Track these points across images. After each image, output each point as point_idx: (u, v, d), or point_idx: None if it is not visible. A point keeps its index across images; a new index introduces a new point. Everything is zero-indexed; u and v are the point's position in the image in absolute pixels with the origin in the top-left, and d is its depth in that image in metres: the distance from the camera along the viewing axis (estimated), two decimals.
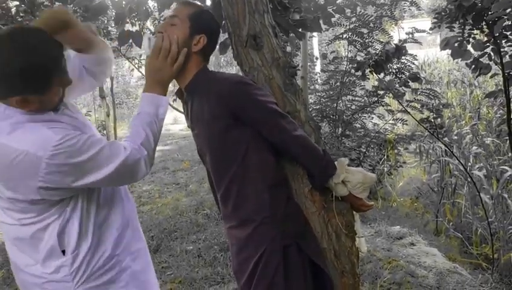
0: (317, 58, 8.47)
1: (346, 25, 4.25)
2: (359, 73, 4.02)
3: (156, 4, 3.25)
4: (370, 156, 5.25)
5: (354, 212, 1.65)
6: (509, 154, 4.73)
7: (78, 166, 1.29)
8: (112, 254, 1.46)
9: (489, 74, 3.17)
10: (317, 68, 8.12)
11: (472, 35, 2.94)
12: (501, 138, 5.51)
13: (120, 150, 1.35)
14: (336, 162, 1.54)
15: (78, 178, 1.31)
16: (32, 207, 1.34)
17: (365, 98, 4.88)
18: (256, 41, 1.60)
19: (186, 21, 1.50)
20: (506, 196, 3.94)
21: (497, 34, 2.78)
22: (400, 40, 3.89)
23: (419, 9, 5.27)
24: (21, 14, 4.51)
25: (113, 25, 5.61)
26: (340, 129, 4.92)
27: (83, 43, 1.53)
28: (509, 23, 2.73)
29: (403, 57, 3.90)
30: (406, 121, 4.96)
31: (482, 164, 4.57)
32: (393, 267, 3.17)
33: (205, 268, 3.39)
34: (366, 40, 4.26)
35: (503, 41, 2.95)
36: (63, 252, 1.39)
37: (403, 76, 3.98)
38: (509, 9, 2.46)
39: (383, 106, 4.88)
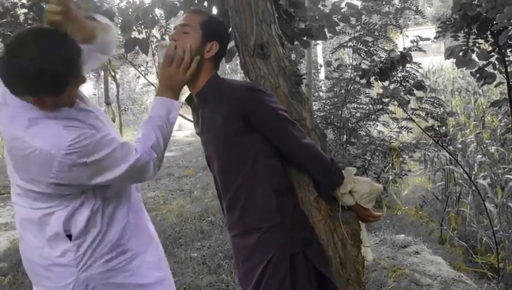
0: (321, 66, 8.49)
1: (351, 33, 4.27)
2: (364, 81, 4.03)
3: (162, 12, 3.28)
4: (375, 164, 5.24)
5: (360, 221, 1.65)
6: None
7: (90, 166, 1.32)
8: (118, 243, 1.50)
9: (494, 83, 3.17)
10: (322, 75, 8.13)
11: (477, 45, 2.95)
12: (506, 147, 5.51)
13: (131, 152, 1.39)
14: (343, 171, 1.55)
15: (89, 177, 1.35)
16: (43, 197, 1.38)
17: (370, 105, 4.88)
18: (264, 50, 1.63)
19: (198, 29, 1.52)
20: (511, 205, 3.92)
21: (502, 44, 2.79)
22: (404, 48, 3.90)
23: (424, 18, 5.28)
24: (29, 22, 4.56)
25: (119, 32, 5.65)
26: (345, 136, 4.92)
27: (87, 34, 1.50)
28: None
29: (407, 65, 3.91)
30: (411, 129, 4.95)
31: (486, 173, 4.55)
32: (398, 276, 3.16)
33: (210, 275, 3.39)
34: (371, 48, 4.27)
35: (508, 50, 2.95)
36: (70, 237, 1.42)
37: (408, 84, 3.99)
38: None
39: (387, 113, 4.88)
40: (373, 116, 4.91)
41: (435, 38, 3.39)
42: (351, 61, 4.78)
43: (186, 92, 1.68)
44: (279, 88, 1.64)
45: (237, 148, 1.50)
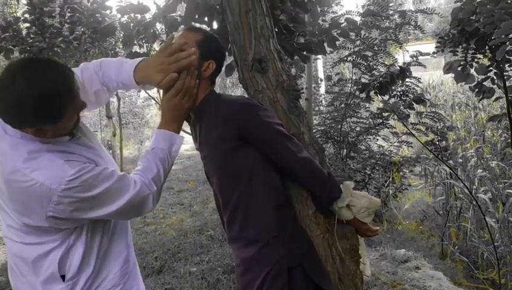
0: (321, 80, 8.52)
1: (350, 48, 4.30)
2: (364, 95, 4.04)
3: (163, 27, 3.31)
4: (375, 178, 5.23)
5: (359, 236, 1.65)
6: None
7: (89, 200, 1.31)
8: (118, 282, 1.48)
9: (493, 98, 3.18)
10: (322, 90, 8.16)
11: (475, 60, 2.96)
12: (506, 161, 5.50)
13: (130, 186, 1.37)
14: (341, 185, 1.55)
15: (87, 211, 1.33)
16: (37, 231, 1.35)
17: (370, 119, 4.90)
18: (262, 65, 1.64)
19: (195, 48, 1.51)
20: None
21: (500, 59, 2.80)
22: (404, 63, 3.92)
23: (424, 33, 5.31)
24: (31, 36, 4.60)
25: (121, 46, 5.69)
26: (344, 151, 4.92)
27: None
28: None
29: (407, 80, 3.93)
30: (411, 143, 4.96)
31: (487, 187, 4.54)
32: None
33: None
34: (371, 63, 4.30)
35: (506, 65, 2.96)
36: (63, 277, 1.38)
37: (408, 98, 4.00)
38: (511, 35, 2.48)
39: (387, 128, 4.89)
40: (373, 131, 4.92)
41: (434, 53, 3.40)
42: (351, 75, 4.81)
43: None
44: (277, 102, 1.65)
45: (235, 163, 1.50)
